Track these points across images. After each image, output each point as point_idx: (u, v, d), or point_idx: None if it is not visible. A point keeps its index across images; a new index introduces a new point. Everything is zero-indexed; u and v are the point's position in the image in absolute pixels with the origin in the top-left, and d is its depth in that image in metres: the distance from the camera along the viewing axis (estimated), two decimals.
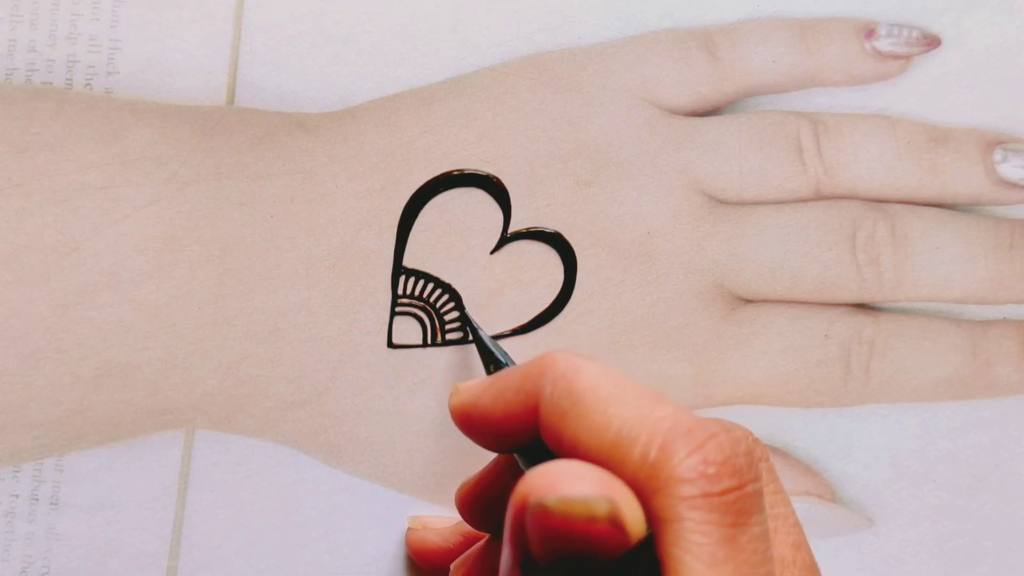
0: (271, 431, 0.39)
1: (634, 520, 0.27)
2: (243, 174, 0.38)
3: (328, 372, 0.40)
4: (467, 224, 0.40)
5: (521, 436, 0.31)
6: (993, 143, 0.44)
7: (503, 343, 0.41)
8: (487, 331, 0.40)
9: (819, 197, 0.43)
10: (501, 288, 0.41)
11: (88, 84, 0.37)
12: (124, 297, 0.38)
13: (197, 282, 0.38)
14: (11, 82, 0.37)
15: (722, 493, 0.27)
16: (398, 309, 0.40)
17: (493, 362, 0.38)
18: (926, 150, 0.43)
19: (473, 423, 0.32)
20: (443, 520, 0.40)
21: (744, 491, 0.27)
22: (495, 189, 0.40)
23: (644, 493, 0.27)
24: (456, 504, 0.36)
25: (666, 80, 0.41)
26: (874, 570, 0.44)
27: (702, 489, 0.27)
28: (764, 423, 0.43)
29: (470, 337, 0.41)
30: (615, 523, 0.26)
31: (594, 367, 0.30)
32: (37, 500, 0.38)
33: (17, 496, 0.38)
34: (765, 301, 0.43)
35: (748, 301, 0.43)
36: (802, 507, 0.43)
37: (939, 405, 0.44)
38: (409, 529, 0.40)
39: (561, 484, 0.27)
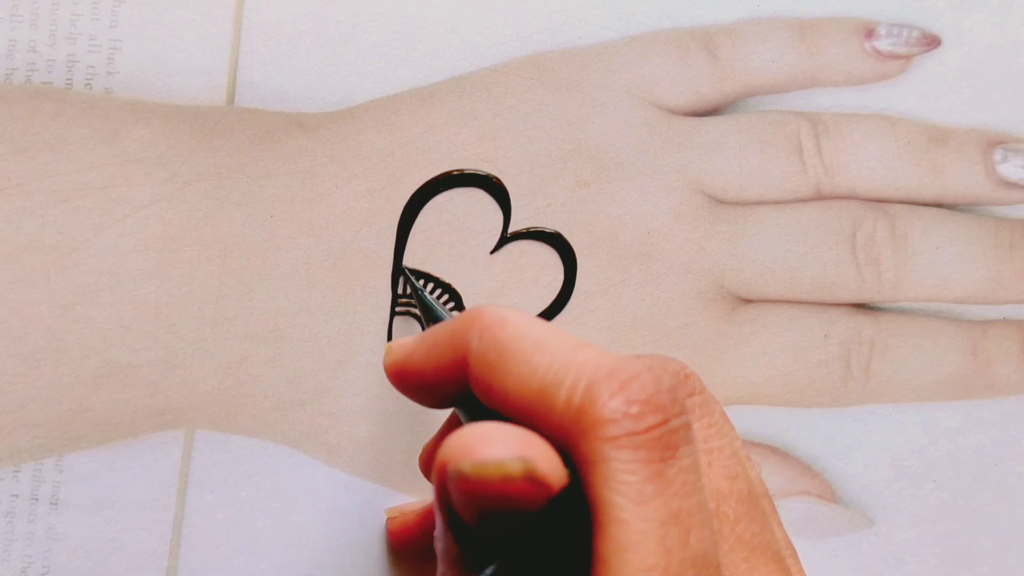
0: (271, 431, 0.39)
1: (552, 472, 0.27)
2: (243, 174, 0.38)
3: (328, 372, 0.40)
4: (467, 224, 0.40)
5: (454, 391, 0.31)
6: (993, 143, 0.44)
7: None
8: None
9: (819, 197, 0.43)
10: (501, 288, 0.41)
11: (88, 84, 0.37)
12: (124, 297, 0.38)
13: (197, 282, 0.38)
14: (11, 82, 0.37)
15: (647, 430, 0.27)
16: (398, 309, 0.40)
17: (432, 319, 0.38)
18: (926, 150, 0.43)
19: (406, 380, 0.33)
20: (418, 503, 0.40)
21: (669, 426, 0.27)
22: (495, 189, 0.40)
23: (571, 437, 0.28)
24: (421, 469, 0.36)
25: (666, 80, 0.41)
26: (874, 570, 0.44)
27: (626, 428, 0.27)
28: (764, 423, 0.43)
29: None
30: (532, 479, 0.27)
31: (520, 318, 0.30)
32: (37, 500, 0.38)
33: (17, 496, 0.38)
34: (765, 301, 0.43)
35: (748, 301, 0.43)
36: (802, 507, 0.43)
37: (939, 405, 0.44)
38: (388, 519, 0.40)
39: (476, 448, 0.27)
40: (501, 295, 0.41)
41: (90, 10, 0.37)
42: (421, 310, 0.39)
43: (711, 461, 0.30)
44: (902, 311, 0.44)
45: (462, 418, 0.33)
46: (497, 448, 0.27)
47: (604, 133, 0.41)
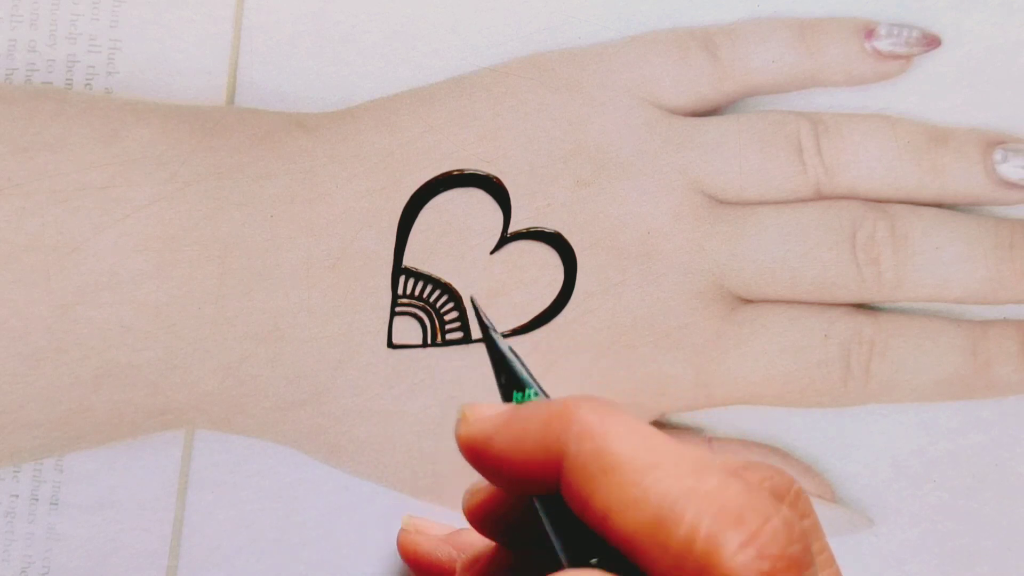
0: (271, 431, 0.39)
1: None
2: (243, 174, 0.38)
3: (328, 372, 0.40)
4: (467, 224, 0.40)
5: (539, 487, 0.29)
6: (993, 143, 0.44)
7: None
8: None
9: (819, 197, 0.43)
10: (501, 288, 0.41)
11: (88, 84, 0.37)
12: (124, 297, 0.38)
13: (197, 282, 0.38)
14: (11, 82, 0.37)
15: None
16: (398, 309, 0.40)
17: (504, 371, 0.34)
18: (926, 150, 0.43)
19: (485, 463, 0.30)
20: (438, 526, 0.39)
21: None
22: (495, 189, 0.40)
23: None
24: (465, 514, 0.34)
25: (666, 80, 0.41)
26: (874, 570, 0.44)
27: None
28: (764, 423, 0.43)
29: (473, 337, 0.40)
30: None
31: (622, 425, 0.27)
32: (37, 500, 0.38)
33: (17, 496, 0.38)
34: (765, 301, 0.43)
35: (748, 301, 0.43)
36: None
37: (939, 405, 0.44)
38: (402, 530, 0.40)
39: None
40: (501, 295, 0.41)
41: (90, 10, 0.37)
42: (491, 356, 0.35)
43: None
44: (902, 311, 0.44)
45: (543, 517, 0.30)
46: None
47: (604, 133, 0.41)
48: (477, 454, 0.30)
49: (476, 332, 0.41)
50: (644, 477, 0.26)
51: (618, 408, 0.28)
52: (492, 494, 0.32)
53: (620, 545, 0.26)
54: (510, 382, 0.33)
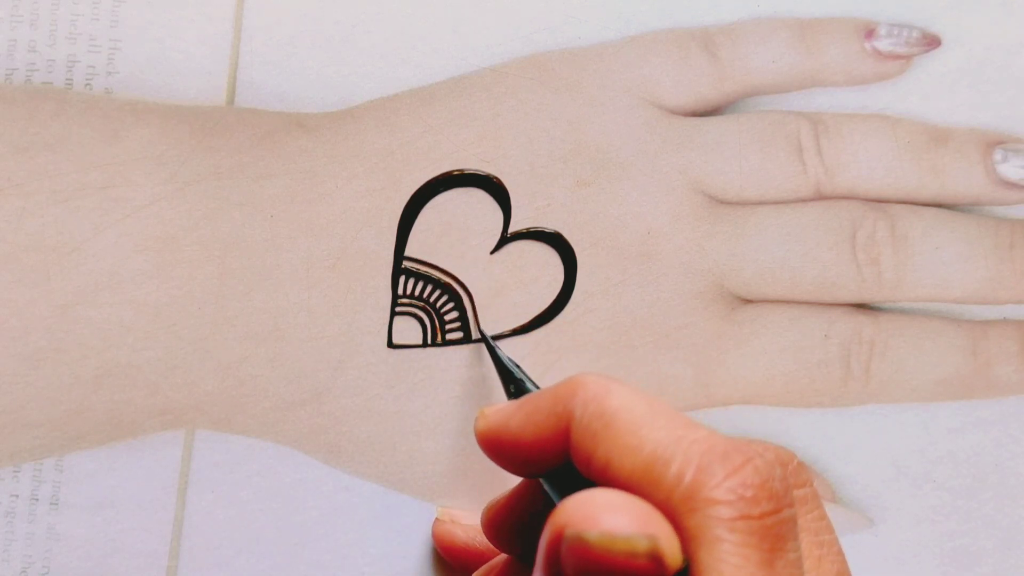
0: (271, 431, 0.39)
1: (672, 554, 0.27)
2: (243, 174, 0.38)
3: (328, 372, 0.40)
4: (467, 224, 0.40)
5: (550, 460, 0.31)
6: (993, 143, 0.44)
7: (503, 343, 0.41)
8: (488, 331, 0.40)
9: (819, 197, 0.43)
10: (501, 288, 0.41)
11: (88, 84, 0.37)
12: (124, 297, 0.38)
13: (197, 282, 0.38)
14: (11, 82, 0.37)
15: (760, 516, 0.27)
16: (398, 309, 0.40)
17: (513, 382, 0.38)
18: (926, 150, 0.43)
19: (502, 447, 0.32)
20: (471, 516, 0.40)
21: (780, 516, 0.27)
22: (495, 189, 0.40)
23: (678, 514, 0.27)
24: (482, 527, 0.36)
25: (666, 80, 0.41)
26: (874, 570, 0.44)
27: (741, 511, 0.27)
28: (764, 423, 0.43)
29: (473, 337, 0.40)
30: (654, 558, 0.26)
31: (625, 389, 0.30)
32: (37, 500, 0.38)
33: (17, 496, 0.38)
34: (765, 301, 0.43)
35: (748, 301, 0.43)
36: None
37: (939, 405, 0.44)
38: (437, 520, 0.40)
39: (602, 518, 0.27)
40: (501, 295, 0.41)
41: (90, 10, 0.37)
42: (499, 372, 0.39)
43: (822, 555, 0.30)
44: (902, 311, 0.44)
45: (548, 490, 0.32)
46: (623, 520, 0.27)
47: (604, 133, 0.41)
48: (496, 442, 0.32)
49: (476, 332, 0.41)
50: (640, 428, 0.29)
51: (616, 379, 0.30)
52: (507, 507, 0.35)
53: (620, 489, 0.28)
54: (519, 390, 0.37)
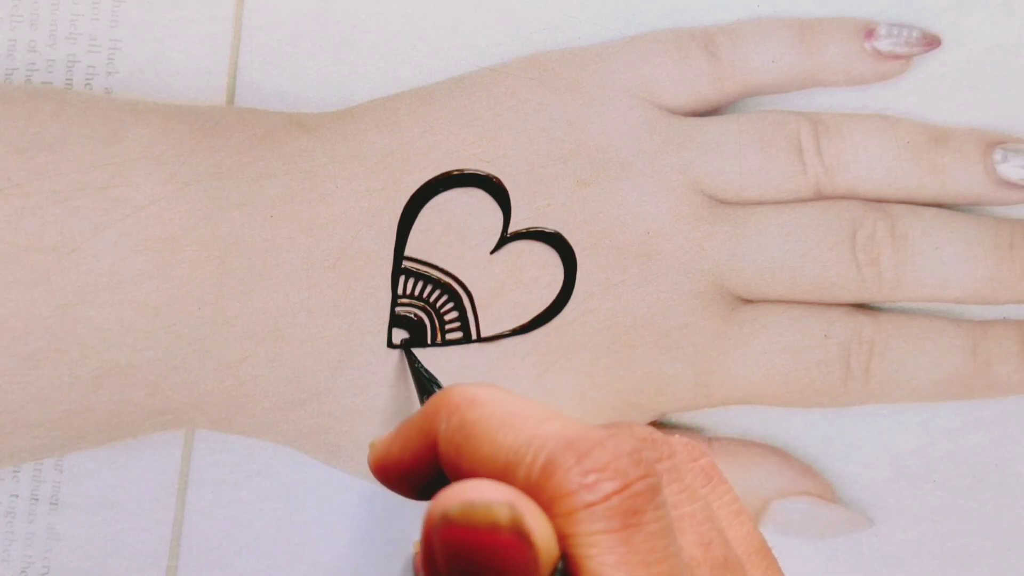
0: (271, 431, 0.39)
1: (541, 535, 0.26)
2: (243, 174, 0.39)
3: (328, 372, 0.40)
4: (467, 224, 0.40)
5: (433, 479, 0.30)
6: (993, 143, 0.44)
7: (504, 343, 0.41)
8: (488, 331, 0.40)
9: (819, 197, 0.43)
10: (501, 288, 0.41)
11: (88, 84, 0.37)
12: (124, 297, 0.38)
13: (197, 282, 0.38)
14: (11, 82, 0.37)
15: (605, 499, 0.27)
16: (398, 309, 0.40)
17: (427, 392, 0.37)
18: (926, 150, 0.43)
19: (388, 475, 0.32)
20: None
21: (631, 491, 0.27)
22: (495, 189, 0.40)
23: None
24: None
25: (666, 80, 0.41)
26: (874, 570, 0.44)
27: (583, 500, 0.26)
28: (764, 423, 0.43)
29: (473, 337, 0.41)
30: (519, 532, 0.26)
31: (491, 395, 0.29)
32: (37, 500, 0.38)
33: (17, 496, 0.38)
34: (765, 301, 0.43)
35: (748, 301, 0.43)
36: (802, 507, 0.43)
37: (939, 405, 0.44)
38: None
39: (465, 492, 0.26)
40: (501, 295, 0.41)
41: (90, 10, 0.37)
42: (415, 383, 0.39)
43: (682, 528, 0.29)
44: (902, 311, 0.44)
45: None
46: (488, 493, 0.26)
47: (604, 133, 0.41)
48: (383, 471, 0.32)
49: (476, 332, 0.41)
50: (496, 435, 0.28)
51: (488, 385, 0.30)
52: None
53: None
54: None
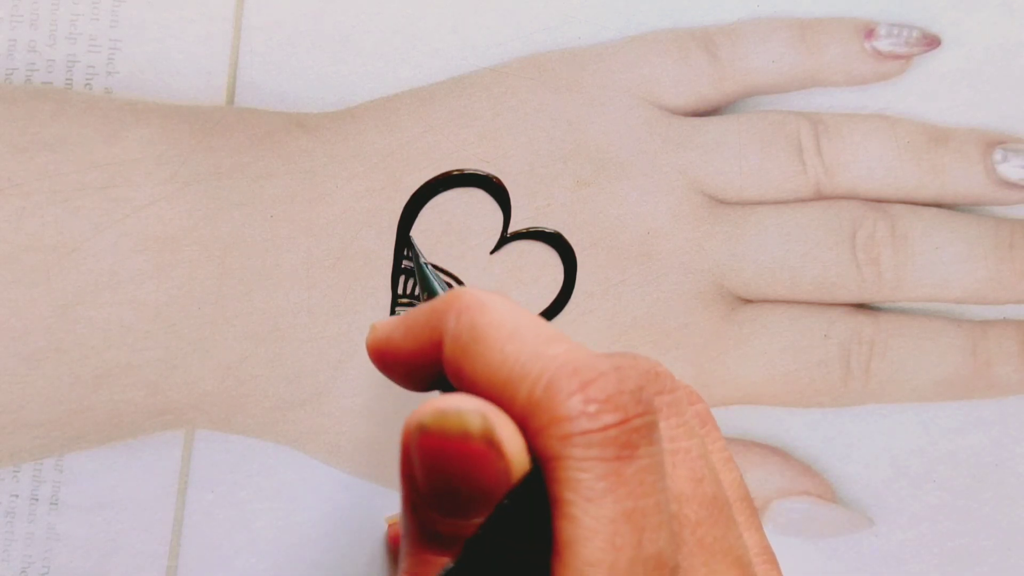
0: (271, 431, 0.39)
1: (513, 447, 0.27)
2: (243, 174, 0.39)
3: (328, 372, 0.40)
4: (467, 224, 0.40)
5: (431, 373, 0.31)
6: (993, 143, 0.44)
7: None
8: None
9: (819, 197, 0.43)
10: (501, 288, 0.41)
11: (88, 84, 0.37)
12: (124, 297, 0.38)
13: (197, 282, 0.38)
14: (11, 82, 0.37)
15: (603, 429, 0.27)
16: (398, 309, 0.40)
17: (429, 294, 0.38)
18: (926, 150, 0.43)
19: (385, 359, 0.32)
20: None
21: (629, 425, 0.27)
22: (495, 189, 0.40)
23: (529, 432, 0.27)
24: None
25: (666, 80, 0.41)
26: (874, 570, 0.44)
27: (581, 427, 0.27)
28: (764, 423, 0.43)
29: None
30: (490, 441, 0.27)
31: (501, 303, 0.29)
32: (37, 500, 0.38)
33: (17, 496, 0.38)
34: (765, 301, 0.43)
35: (748, 301, 0.43)
36: (802, 507, 0.43)
37: (939, 405, 0.44)
38: (390, 526, 0.40)
39: (441, 403, 0.27)
40: None
41: (90, 10, 0.37)
42: (419, 281, 0.39)
43: (676, 462, 0.29)
44: (902, 311, 0.44)
45: None
46: (462, 404, 0.27)
47: (604, 133, 0.41)
48: (380, 354, 0.32)
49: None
50: (505, 344, 0.28)
51: (500, 294, 0.30)
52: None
53: None
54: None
